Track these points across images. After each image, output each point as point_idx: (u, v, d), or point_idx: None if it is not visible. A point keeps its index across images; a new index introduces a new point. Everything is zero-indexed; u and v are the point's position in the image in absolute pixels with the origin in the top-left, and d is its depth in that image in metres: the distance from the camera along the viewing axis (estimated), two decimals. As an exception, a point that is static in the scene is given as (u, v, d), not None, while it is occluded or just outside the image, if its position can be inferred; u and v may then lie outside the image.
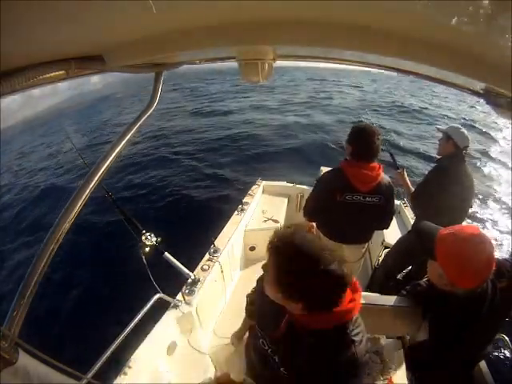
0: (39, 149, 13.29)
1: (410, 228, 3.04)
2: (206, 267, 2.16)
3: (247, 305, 1.34)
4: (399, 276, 2.46)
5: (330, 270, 0.66)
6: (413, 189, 2.27)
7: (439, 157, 2.17)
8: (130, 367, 1.45)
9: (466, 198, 2.07)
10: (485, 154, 8.41)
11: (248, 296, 1.34)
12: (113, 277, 3.96)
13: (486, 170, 7.49)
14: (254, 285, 1.28)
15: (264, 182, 3.55)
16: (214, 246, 2.32)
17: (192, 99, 18.21)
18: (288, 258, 0.70)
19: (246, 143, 9.13)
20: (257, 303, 1.09)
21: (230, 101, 16.29)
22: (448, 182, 1.98)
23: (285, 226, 0.78)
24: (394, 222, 3.19)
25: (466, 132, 2.04)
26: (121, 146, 0.87)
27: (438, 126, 2.19)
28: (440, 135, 2.15)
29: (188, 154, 8.44)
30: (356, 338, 0.78)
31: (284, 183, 3.66)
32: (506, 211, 5.66)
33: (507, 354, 2.70)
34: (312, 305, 0.73)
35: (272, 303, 0.84)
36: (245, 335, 1.42)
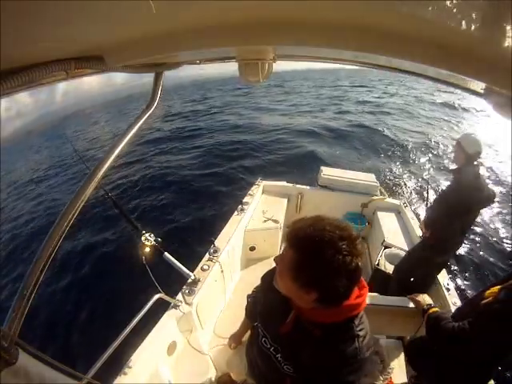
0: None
1: (410, 229, 3.04)
2: (206, 267, 2.16)
3: (247, 304, 1.33)
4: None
5: (347, 261, 0.68)
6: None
7: (454, 166, 2.15)
8: (129, 367, 1.45)
9: (477, 208, 2.08)
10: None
11: (249, 296, 1.33)
12: (113, 277, 3.96)
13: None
14: (254, 285, 1.28)
15: (264, 182, 3.55)
16: (214, 245, 2.32)
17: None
18: (306, 246, 0.71)
19: (247, 143, 9.13)
20: (260, 301, 1.09)
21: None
22: (460, 201, 1.98)
23: (303, 218, 0.78)
24: (394, 222, 3.20)
25: (477, 138, 2.00)
26: (121, 146, 0.86)
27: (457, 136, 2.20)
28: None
29: (188, 153, 8.44)
30: (360, 333, 0.79)
31: (284, 183, 3.66)
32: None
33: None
34: (325, 296, 0.74)
35: (278, 299, 0.85)
36: (243, 337, 1.42)
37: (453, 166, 2.19)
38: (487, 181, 2.05)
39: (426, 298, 1.73)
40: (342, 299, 0.75)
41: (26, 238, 5.68)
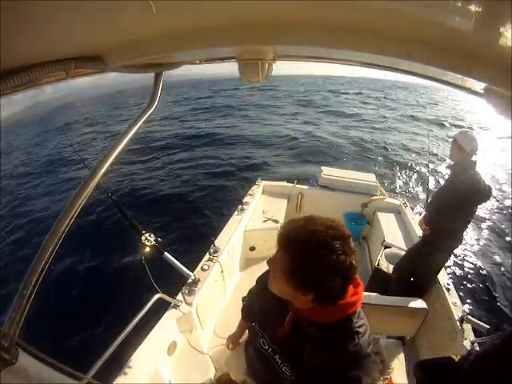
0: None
1: (410, 229, 3.04)
2: (206, 267, 2.17)
3: (243, 307, 1.33)
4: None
5: (342, 260, 0.68)
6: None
7: (452, 163, 2.20)
8: (130, 367, 1.45)
9: (475, 204, 2.11)
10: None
11: (244, 299, 1.33)
12: (113, 277, 3.96)
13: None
14: (254, 285, 1.28)
15: (264, 182, 3.56)
16: (214, 245, 2.32)
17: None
18: (299, 248, 0.71)
19: (246, 142, 9.13)
20: (257, 303, 1.09)
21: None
22: (458, 198, 2.01)
23: (294, 219, 0.78)
24: (394, 222, 3.20)
25: (473, 136, 2.05)
26: (121, 146, 0.87)
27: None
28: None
29: (188, 153, 8.43)
30: (360, 330, 0.79)
31: (284, 183, 3.66)
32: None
33: None
34: (321, 296, 0.74)
35: (274, 301, 0.84)
36: (241, 338, 1.41)
37: (451, 163, 2.22)
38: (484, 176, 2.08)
39: None
40: (338, 297, 0.76)
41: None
